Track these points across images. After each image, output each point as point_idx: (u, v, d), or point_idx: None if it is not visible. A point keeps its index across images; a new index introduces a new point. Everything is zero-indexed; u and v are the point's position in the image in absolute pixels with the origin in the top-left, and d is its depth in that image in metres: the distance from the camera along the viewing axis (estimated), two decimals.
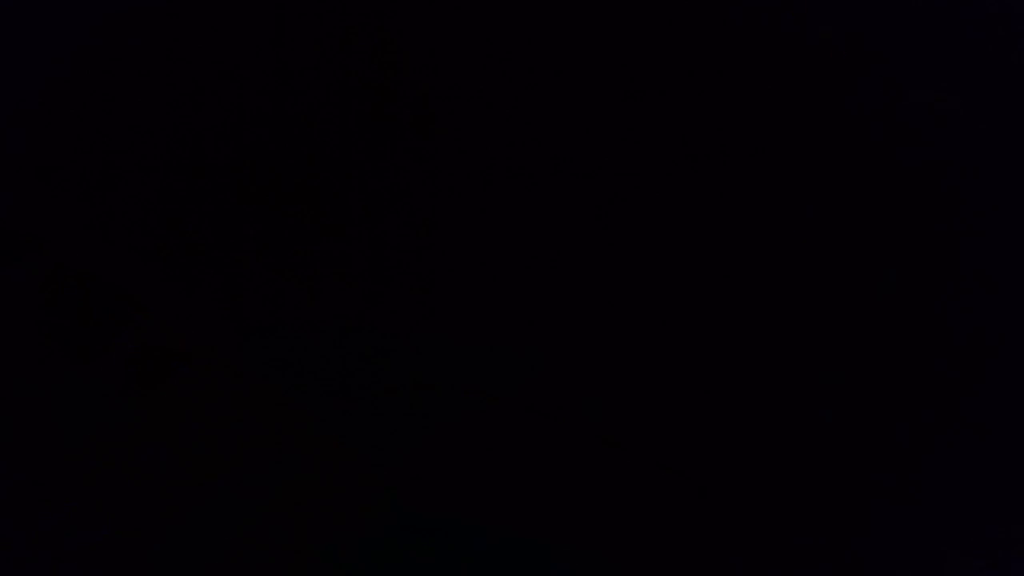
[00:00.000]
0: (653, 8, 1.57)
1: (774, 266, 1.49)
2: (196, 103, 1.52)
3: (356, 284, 1.48)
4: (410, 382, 1.44)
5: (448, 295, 1.48)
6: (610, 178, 1.54)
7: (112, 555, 1.32)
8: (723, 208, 1.52)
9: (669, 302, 1.46)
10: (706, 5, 1.58)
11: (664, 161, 1.56)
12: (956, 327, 1.42)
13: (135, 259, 1.47)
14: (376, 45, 1.55)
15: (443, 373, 1.45)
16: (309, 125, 1.53)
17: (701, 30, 1.59)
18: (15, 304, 1.43)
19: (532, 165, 1.55)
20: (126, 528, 1.33)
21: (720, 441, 1.36)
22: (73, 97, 1.52)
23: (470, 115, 1.55)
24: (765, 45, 1.58)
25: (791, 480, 1.34)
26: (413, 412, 1.42)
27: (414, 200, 1.53)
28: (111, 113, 1.52)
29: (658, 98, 1.57)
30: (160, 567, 1.33)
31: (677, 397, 1.40)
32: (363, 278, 1.48)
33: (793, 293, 1.46)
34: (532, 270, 1.48)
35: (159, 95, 1.52)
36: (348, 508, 1.35)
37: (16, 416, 1.37)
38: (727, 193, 1.53)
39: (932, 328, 1.43)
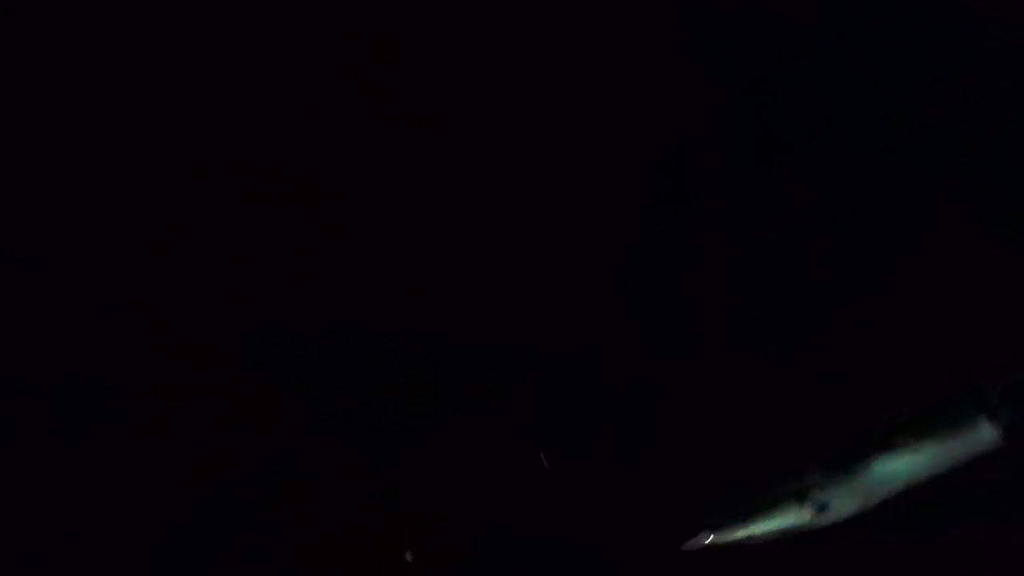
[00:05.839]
0: (654, 8, 1.57)
1: (774, 267, 1.49)
2: (196, 103, 1.53)
3: (355, 284, 1.48)
4: (410, 382, 1.44)
5: (447, 295, 1.48)
6: (609, 178, 1.54)
7: (112, 555, 1.32)
8: (721, 209, 1.52)
9: (669, 302, 1.46)
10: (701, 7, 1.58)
11: (662, 161, 1.56)
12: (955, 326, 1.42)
13: (135, 259, 1.47)
14: (376, 45, 1.55)
15: (443, 373, 1.45)
16: (309, 125, 1.53)
17: (701, 30, 1.59)
18: (15, 304, 1.43)
19: (532, 166, 1.55)
20: (126, 528, 1.33)
21: (718, 439, 1.36)
22: (73, 97, 1.52)
23: (470, 115, 1.55)
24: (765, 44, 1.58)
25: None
26: (413, 412, 1.42)
27: (414, 200, 1.53)
28: (111, 113, 1.52)
29: (659, 99, 1.57)
30: (160, 567, 1.33)
31: (676, 396, 1.40)
32: (363, 278, 1.48)
33: (792, 294, 1.46)
34: (532, 270, 1.48)
35: (159, 95, 1.53)
36: (348, 508, 1.35)
37: (16, 416, 1.37)
38: (725, 195, 1.53)
39: (929, 325, 1.42)
